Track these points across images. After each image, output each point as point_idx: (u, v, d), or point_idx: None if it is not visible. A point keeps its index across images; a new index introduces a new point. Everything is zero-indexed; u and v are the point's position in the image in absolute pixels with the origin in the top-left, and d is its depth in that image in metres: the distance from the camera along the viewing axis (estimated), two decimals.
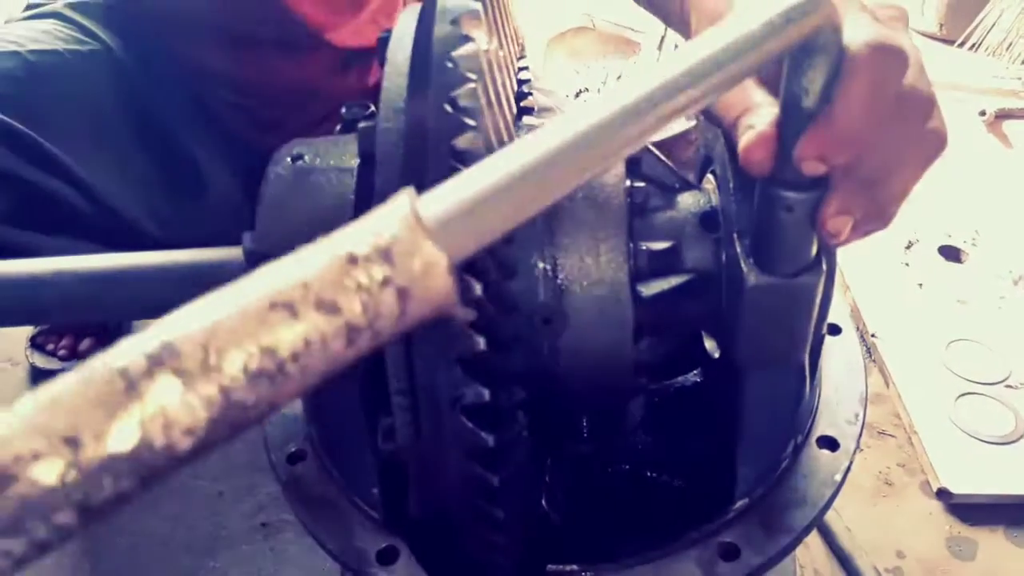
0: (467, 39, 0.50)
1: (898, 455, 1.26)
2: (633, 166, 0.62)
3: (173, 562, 1.14)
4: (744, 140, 0.48)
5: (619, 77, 1.98)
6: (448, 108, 0.48)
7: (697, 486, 0.69)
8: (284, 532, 1.16)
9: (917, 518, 1.19)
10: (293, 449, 0.69)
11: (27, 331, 1.44)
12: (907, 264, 1.54)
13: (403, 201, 0.30)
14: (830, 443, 0.67)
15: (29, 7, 1.10)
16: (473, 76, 0.49)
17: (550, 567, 0.61)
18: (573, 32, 2.15)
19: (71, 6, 1.08)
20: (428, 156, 0.48)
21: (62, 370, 1.36)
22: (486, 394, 0.48)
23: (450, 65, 0.49)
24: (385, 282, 0.28)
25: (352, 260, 0.28)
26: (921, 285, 1.49)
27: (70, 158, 0.95)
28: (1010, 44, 2.12)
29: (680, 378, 0.75)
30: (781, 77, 0.46)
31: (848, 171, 0.48)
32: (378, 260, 0.28)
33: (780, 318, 0.57)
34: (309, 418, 0.70)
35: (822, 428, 0.67)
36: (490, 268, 0.49)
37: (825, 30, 0.42)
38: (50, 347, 1.42)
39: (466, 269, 0.48)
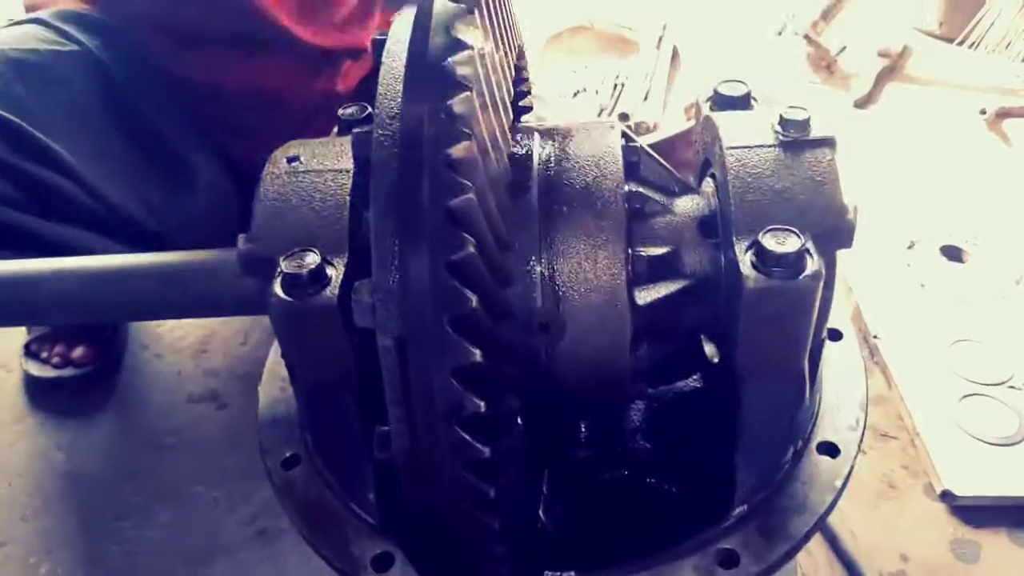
0: (462, 45, 0.49)
1: (901, 457, 1.25)
2: (631, 169, 0.61)
3: (169, 571, 1.12)
4: None
5: (617, 77, 1.97)
6: (443, 115, 0.47)
7: (696, 492, 0.68)
8: (281, 539, 1.14)
9: (920, 521, 1.17)
10: (288, 454, 0.68)
11: (21, 339, 1.43)
12: (909, 264, 1.52)
13: None
14: (830, 449, 0.66)
15: (11, 23, 1.11)
16: (468, 83, 0.48)
17: (547, 573, 0.59)
18: (571, 31, 2.14)
19: (51, 14, 1.10)
20: (424, 165, 0.47)
21: (56, 378, 1.36)
22: (482, 405, 0.47)
23: (446, 72, 0.48)
24: None
25: None
26: (923, 285, 1.48)
27: (60, 148, 0.96)
28: (1009, 42, 2.11)
29: (680, 383, 0.74)
30: None
31: None
32: None
33: (779, 322, 0.56)
34: (304, 425, 0.69)
35: (823, 434, 0.66)
36: (485, 276, 0.48)
37: None
38: (44, 354, 1.41)
39: (459, 276, 0.47)
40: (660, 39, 2.08)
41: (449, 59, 0.49)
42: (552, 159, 0.61)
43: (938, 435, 1.24)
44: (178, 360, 1.42)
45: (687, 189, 0.66)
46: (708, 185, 0.66)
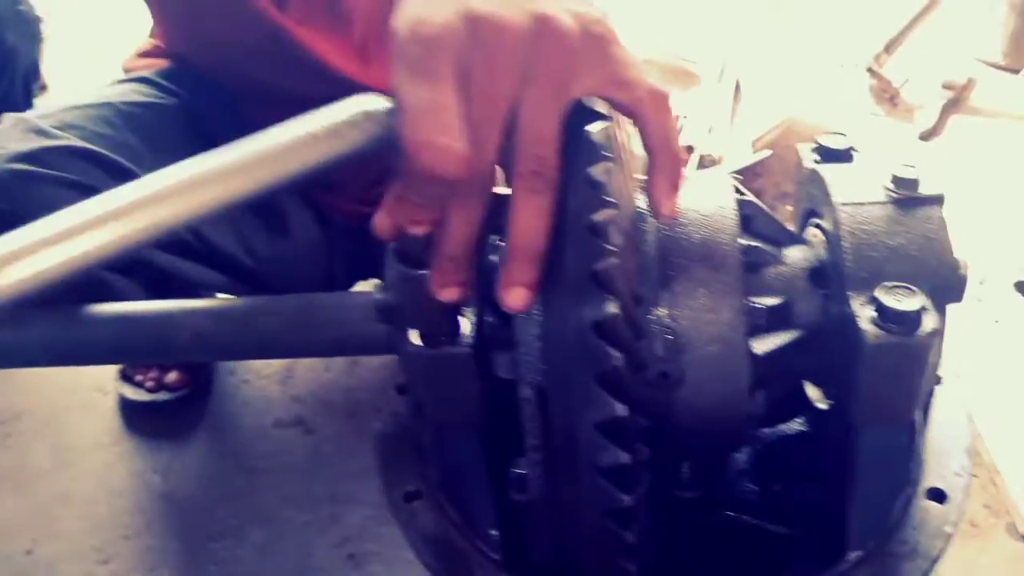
0: (598, 115, 0.53)
1: (982, 496, 1.25)
2: (745, 222, 0.64)
3: None
4: None
5: (680, 110, 2.00)
6: (584, 184, 0.51)
7: (805, 536, 0.70)
8: (371, 563, 1.19)
9: (1003, 561, 1.17)
10: (410, 488, 0.71)
11: None
12: (980, 300, 1.52)
13: None
14: (939, 495, 0.67)
15: (115, 82, 1.20)
16: (607, 152, 0.52)
17: None
18: None
19: (151, 72, 1.18)
20: (567, 230, 0.51)
21: (151, 402, 1.43)
22: (624, 457, 0.50)
23: (584, 140, 0.52)
24: None
25: None
26: (997, 321, 1.48)
27: None
28: None
29: (783, 426, 0.76)
30: None
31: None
32: None
33: (896, 376, 0.58)
34: (426, 459, 0.72)
35: (931, 480, 0.68)
36: (626, 333, 0.52)
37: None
38: (138, 378, 1.48)
39: (604, 336, 0.50)
40: (722, 72, 2.11)
41: (587, 127, 0.53)
42: None
43: (1019, 473, 1.24)
44: (265, 386, 1.48)
45: (793, 239, 0.69)
46: (813, 235, 0.68)
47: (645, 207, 0.64)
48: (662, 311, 0.61)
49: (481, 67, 0.47)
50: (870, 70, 2.16)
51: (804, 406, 0.73)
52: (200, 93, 1.19)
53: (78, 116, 1.02)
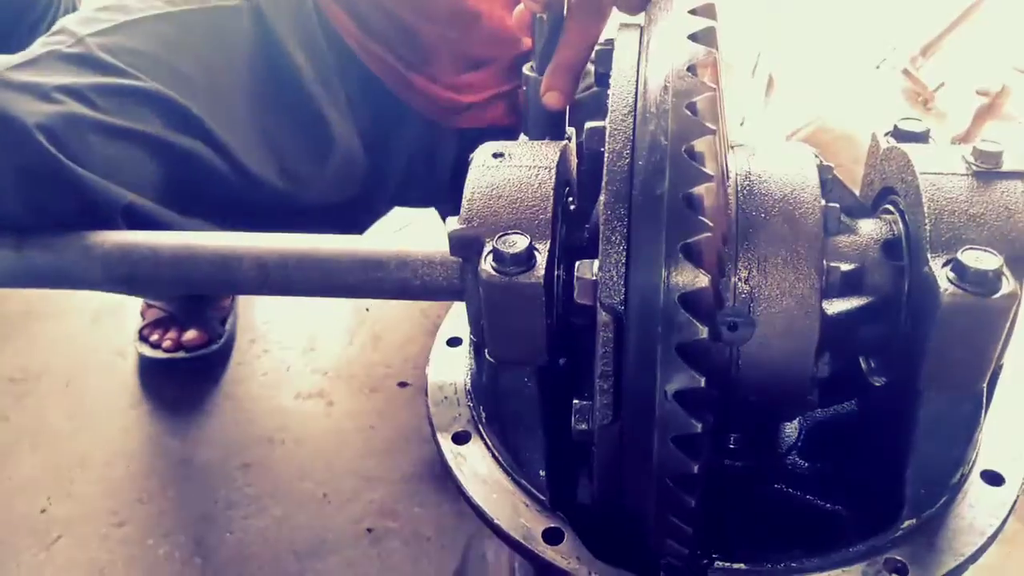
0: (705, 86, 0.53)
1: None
2: (824, 187, 0.64)
3: (281, 563, 1.15)
4: None
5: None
6: (687, 110, 0.51)
7: (857, 510, 0.69)
8: (390, 540, 1.17)
9: None
10: (459, 430, 0.72)
11: (135, 324, 1.49)
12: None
13: None
14: (995, 478, 0.67)
15: None
16: (711, 85, 0.52)
17: (717, 563, 0.62)
18: None
19: None
20: (665, 153, 0.51)
21: (168, 360, 1.41)
22: (697, 427, 0.50)
23: (688, 113, 0.52)
24: None
25: None
26: None
27: (210, 119, 0.98)
28: None
29: (836, 406, 0.75)
30: None
31: None
32: None
33: (970, 337, 0.58)
34: (476, 400, 0.73)
35: (986, 462, 0.68)
36: (713, 262, 0.52)
37: None
38: (155, 338, 1.46)
39: (693, 259, 0.50)
40: (756, 65, 2.10)
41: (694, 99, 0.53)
42: (748, 169, 0.64)
43: None
44: (286, 357, 1.46)
45: (866, 213, 0.69)
46: (887, 212, 0.68)
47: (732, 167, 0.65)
48: (740, 265, 0.61)
49: None
50: (905, 72, 2.14)
51: (861, 387, 0.73)
52: None
53: (132, 37, 0.95)
